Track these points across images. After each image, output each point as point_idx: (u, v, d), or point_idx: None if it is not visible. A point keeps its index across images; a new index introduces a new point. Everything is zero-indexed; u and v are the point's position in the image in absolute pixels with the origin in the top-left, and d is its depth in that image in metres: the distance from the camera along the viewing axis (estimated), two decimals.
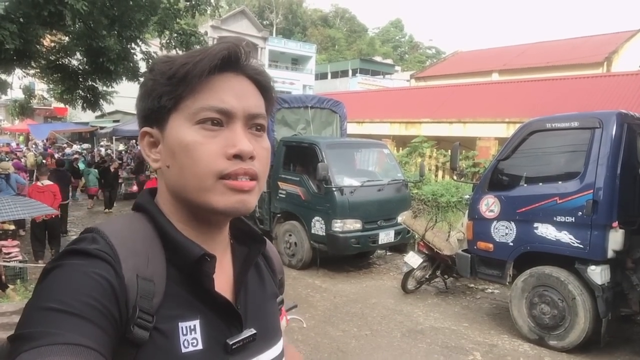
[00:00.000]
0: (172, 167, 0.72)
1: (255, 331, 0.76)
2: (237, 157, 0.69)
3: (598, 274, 4.52)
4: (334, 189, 7.07)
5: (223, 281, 0.77)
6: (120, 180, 14.27)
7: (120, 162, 16.04)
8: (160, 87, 0.71)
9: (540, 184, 5.03)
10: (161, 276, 0.68)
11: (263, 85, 0.77)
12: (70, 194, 14.27)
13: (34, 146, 25.27)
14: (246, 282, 0.81)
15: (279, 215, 8.08)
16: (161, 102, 0.71)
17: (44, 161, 14.99)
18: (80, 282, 0.60)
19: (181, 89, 0.70)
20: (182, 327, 0.68)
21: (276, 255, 0.97)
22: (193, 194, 0.70)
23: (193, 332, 0.69)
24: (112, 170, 12.86)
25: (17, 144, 26.21)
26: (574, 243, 4.66)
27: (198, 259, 0.70)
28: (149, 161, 0.75)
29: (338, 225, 7.06)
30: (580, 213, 4.63)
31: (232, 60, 0.72)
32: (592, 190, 4.58)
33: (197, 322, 0.69)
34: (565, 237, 4.73)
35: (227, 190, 0.69)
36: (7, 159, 14.99)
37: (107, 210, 12.55)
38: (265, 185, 0.84)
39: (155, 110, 0.72)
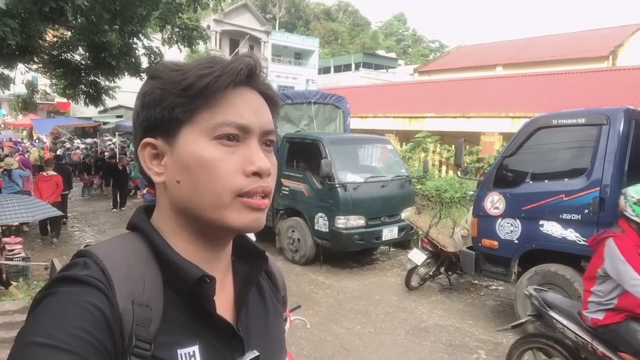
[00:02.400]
0: (184, 182, 0.68)
1: (258, 353, 0.73)
2: (256, 174, 0.68)
3: None
4: (337, 185, 7.04)
5: (223, 301, 0.74)
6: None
7: (124, 156, 15.99)
8: (173, 97, 0.67)
9: (546, 181, 4.97)
10: (158, 301, 0.65)
11: (272, 101, 0.75)
12: (84, 190, 14.39)
13: (37, 141, 25.36)
14: (247, 302, 0.78)
15: (282, 211, 8.05)
16: (174, 113, 0.67)
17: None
18: (71, 313, 0.57)
19: (198, 102, 0.67)
20: (180, 354, 0.65)
21: (279, 271, 0.94)
22: (208, 211, 0.67)
23: (192, 359, 0.66)
24: (120, 167, 12.41)
25: (21, 139, 26.26)
26: (580, 241, 4.61)
27: (197, 281, 0.67)
28: (149, 174, 0.71)
29: (341, 222, 7.03)
30: (587, 211, 4.57)
31: (250, 75, 0.70)
32: (599, 188, 4.52)
33: (196, 348, 0.66)
34: (571, 234, 4.68)
35: (244, 208, 0.68)
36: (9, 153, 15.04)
37: (114, 209, 12.18)
38: None
39: (165, 122, 0.68)
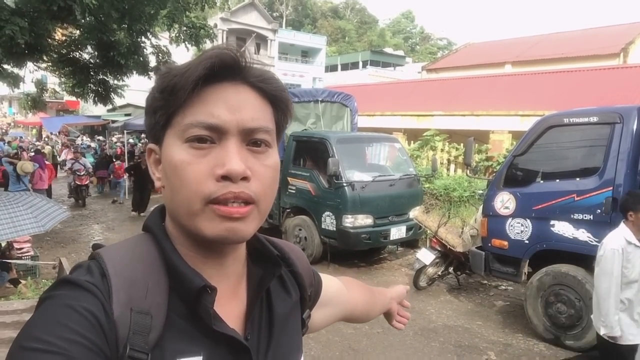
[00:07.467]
0: (166, 187, 0.67)
1: None
2: (227, 178, 0.62)
3: None
4: (344, 184, 7.00)
5: (235, 309, 0.71)
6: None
7: (132, 153, 15.98)
8: (155, 102, 0.66)
9: (558, 180, 4.90)
10: (161, 308, 0.62)
11: (270, 94, 0.68)
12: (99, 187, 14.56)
13: (47, 139, 25.57)
14: (263, 308, 0.75)
15: (288, 210, 8.03)
16: (156, 118, 0.66)
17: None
18: (67, 317, 0.56)
19: (171, 104, 0.64)
20: None
21: (305, 268, 0.89)
22: (184, 217, 0.65)
23: None
24: (142, 167, 10.99)
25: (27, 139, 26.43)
26: (592, 241, 4.54)
27: (199, 290, 0.63)
28: (154, 179, 0.71)
29: (349, 221, 6.99)
30: (599, 211, 4.50)
31: (224, 67, 0.64)
32: (611, 187, 4.45)
33: (200, 359, 0.64)
34: (582, 235, 4.62)
35: (216, 217, 0.63)
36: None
37: (134, 213, 11.27)
38: None
39: (152, 127, 0.68)
